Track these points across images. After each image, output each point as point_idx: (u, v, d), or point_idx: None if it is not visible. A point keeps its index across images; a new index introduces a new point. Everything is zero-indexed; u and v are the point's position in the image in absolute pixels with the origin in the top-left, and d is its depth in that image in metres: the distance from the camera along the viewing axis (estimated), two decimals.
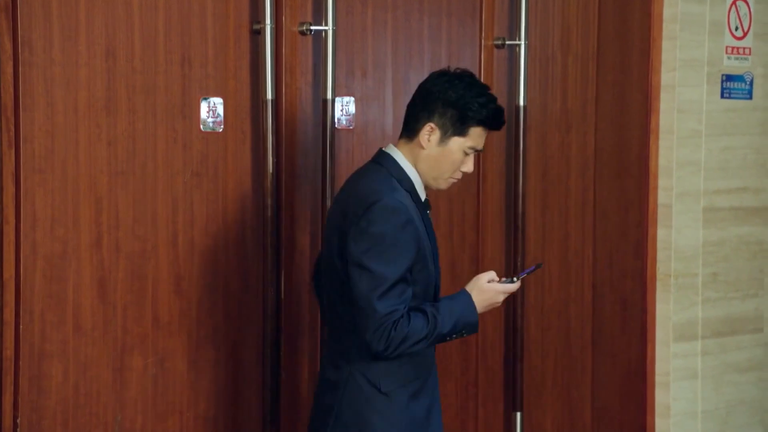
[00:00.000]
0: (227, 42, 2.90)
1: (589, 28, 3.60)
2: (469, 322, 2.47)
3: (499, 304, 2.54)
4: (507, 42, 3.40)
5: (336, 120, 3.06)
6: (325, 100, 2.99)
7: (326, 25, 2.97)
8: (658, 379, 3.62)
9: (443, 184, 2.54)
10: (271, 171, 2.91)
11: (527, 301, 3.55)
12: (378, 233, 2.36)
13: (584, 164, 3.63)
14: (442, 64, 3.16)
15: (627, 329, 3.71)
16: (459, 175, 2.53)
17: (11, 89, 2.63)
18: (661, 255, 3.63)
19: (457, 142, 2.48)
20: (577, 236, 3.65)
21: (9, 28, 2.62)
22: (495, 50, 3.40)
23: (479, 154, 2.99)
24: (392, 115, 3.17)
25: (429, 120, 2.48)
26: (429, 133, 2.48)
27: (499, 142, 3.44)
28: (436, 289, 2.53)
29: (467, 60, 3.32)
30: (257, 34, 2.92)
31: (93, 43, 2.72)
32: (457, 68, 2.54)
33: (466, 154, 2.50)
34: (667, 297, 3.62)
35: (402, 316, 2.38)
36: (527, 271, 2.59)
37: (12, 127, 2.63)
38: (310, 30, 2.99)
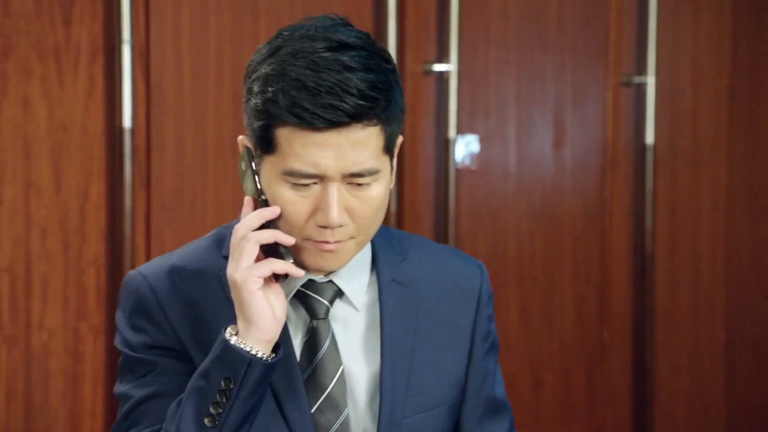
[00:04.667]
0: None
1: (722, 63, 3.50)
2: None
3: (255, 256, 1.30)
4: (635, 79, 3.34)
5: (459, 159, 3.05)
6: (447, 139, 2.99)
7: (450, 63, 2.98)
8: None
9: (301, 254, 1.36)
10: (394, 210, 2.92)
11: (656, 344, 3.45)
12: None
13: (715, 203, 3.52)
14: (567, 103, 3.13)
15: (763, 376, 3.56)
16: (318, 235, 1.33)
17: (144, 131, 2.73)
18: None
19: (268, 168, 1.35)
20: (708, 278, 3.53)
21: (143, 72, 2.72)
22: (622, 88, 3.34)
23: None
24: (515, 155, 3.15)
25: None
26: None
27: (626, 180, 3.38)
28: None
29: (593, 98, 3.27)
30: None
31: (221, 85, 2.79)
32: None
33: (294, 188, 1.33)
34: None
35: None
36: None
37: (144, 168, 2.73)
38: (433, 69, 3.00)
